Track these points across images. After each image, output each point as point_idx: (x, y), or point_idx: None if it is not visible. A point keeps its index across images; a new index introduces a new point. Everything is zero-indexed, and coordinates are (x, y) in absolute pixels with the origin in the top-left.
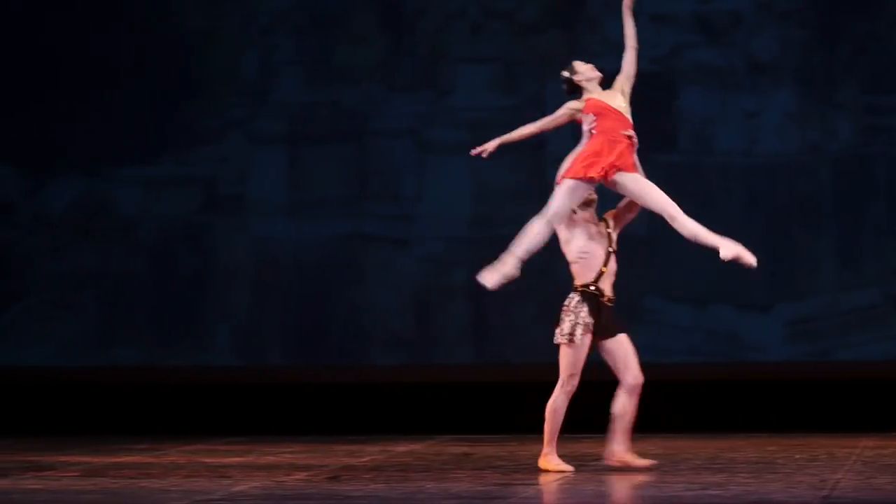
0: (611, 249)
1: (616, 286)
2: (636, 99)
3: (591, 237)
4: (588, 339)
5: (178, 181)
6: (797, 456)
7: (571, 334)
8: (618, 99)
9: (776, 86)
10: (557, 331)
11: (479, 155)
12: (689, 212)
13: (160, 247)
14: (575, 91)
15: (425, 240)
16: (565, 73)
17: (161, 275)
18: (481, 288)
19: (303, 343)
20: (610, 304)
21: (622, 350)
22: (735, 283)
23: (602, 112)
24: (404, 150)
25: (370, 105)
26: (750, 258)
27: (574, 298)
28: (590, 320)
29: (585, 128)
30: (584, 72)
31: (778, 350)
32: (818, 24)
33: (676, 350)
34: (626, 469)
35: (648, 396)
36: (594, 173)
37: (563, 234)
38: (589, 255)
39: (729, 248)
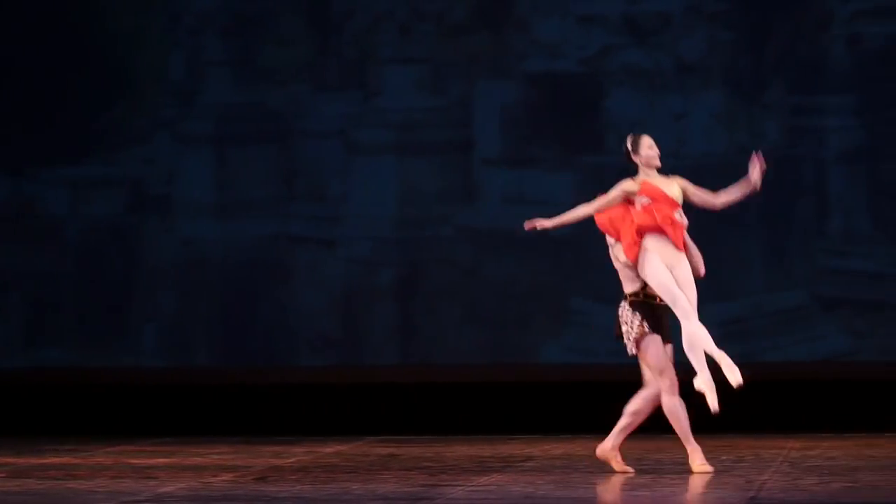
0: None
1: (542, 287)
2: (564, 100)
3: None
4: (654, 336)
5: (106, 182)
6: (724, 457)
7: (635, 340)
8: (673, 188)
9: (704, 87)
10: (625, 342)
11: (532, 229)
12: None
13: (87, 247)
14: (630, 162)
15: (352, 240)
16: (629, 143)
17: (88, 275)
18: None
19: (230, 344)
20: (663, 304)
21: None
22: None
23: (656, 198)
24: (331, 151)
25: (297, 106)
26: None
27: (624, 307)
28: (645, 324)
29: (637, 207)
30: (647, 156)
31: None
32: (746, 25)
33: (604, 351)
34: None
35: (577, 397)
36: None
37: (611, 239)
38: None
39: (736, 376)
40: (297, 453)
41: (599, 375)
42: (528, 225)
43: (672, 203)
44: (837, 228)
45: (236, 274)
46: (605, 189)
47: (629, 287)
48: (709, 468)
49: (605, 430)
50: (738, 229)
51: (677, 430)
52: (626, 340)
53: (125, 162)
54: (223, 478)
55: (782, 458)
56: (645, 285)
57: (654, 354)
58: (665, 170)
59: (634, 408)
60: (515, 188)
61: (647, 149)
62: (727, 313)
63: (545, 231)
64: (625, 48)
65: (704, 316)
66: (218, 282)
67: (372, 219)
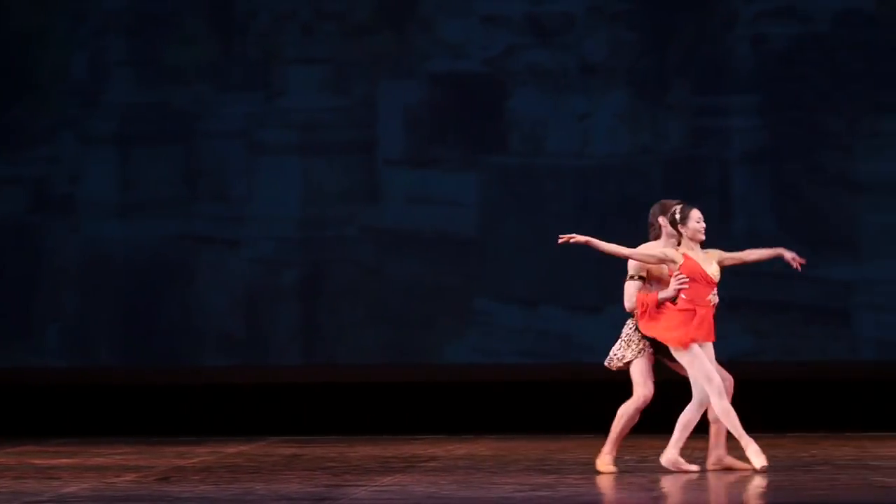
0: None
1: (446, 287)
2: (467, 101)
3: (661, 276)
4: (646, 356)
5: (9, 181)
6: (627, 457)
7: (621, 357)
8: (713, 267)
9: (608, 87)
10: (612, 354)
11: (566, 242)
12: (520, 212)
13: None
14: (673, 228)
15: (255, 240)
16: (678, 213)
17: None
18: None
19: (133, 344)
20: None
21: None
22: (565, 284)
23: (695, 278)
24: (235, 151)
25: (201, 106)
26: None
27: (630, 326)
28: (643, 345)
29: (674, 283)
30: (695, 230)
31: (608, 351)
32: (649, 25)
33: (507, 351)
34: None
35: (480, 397)
36: (675, 343)
37: (632, 263)
38: (650, 287)
39: (761, 460)
40: (200, 453)
41: (502, 375)
42: (562, 238)
43: (710, 283)
44: (741, 229)
45: (140, 274)
46: (510, 190)
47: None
48: (763, 461)
49: (507, 430)
50: (641, 229)
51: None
52: (615, 355)
53: (28, 161)
54: (126, 478)
55: (686, 457)
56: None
57: (636, 379)
58: (569, 169)
59: (712, 415)
60: (418, 188)
61: (696, 223)
62: (628, 314)
63: (575, 243)
64: (528, 48)
65: (601, 319)
66: (121, 282)
67: (275, 219)
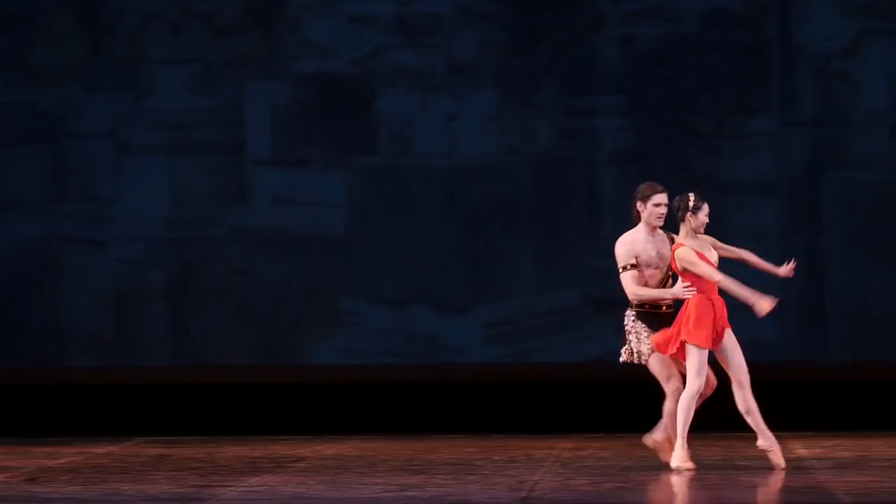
0: (670, 273)
1: (314, 287)
2: (335, 101)
3: (649, 262)
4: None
5: None
6: (496, 457)
7: (639, 353)
8: (713, 253)
9: (476, 88)
10: (624, 350)
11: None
12: (388, 213)
13: None
14: (682, 215)
15: (123, 241)
16: (691, 202)
17: None
18: None
19: (0, 344)
20: (669, 311)
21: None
22: (434, 284)
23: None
24: (102, 152)
25: (68, 106)
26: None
27: (630, 317)
28: (650, 334)
29: (683, 292)
30: (702, 223)
31: (477, 352)
32: (517, 26)
33: (375, 352)
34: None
35: (349, 398)
36: (705, 344)
37: (621, 253)
38: (646, 276)
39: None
40: (68, 454)
41: (370, 376)
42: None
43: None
44: (609, 229)
45: (6, 274)
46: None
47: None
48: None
49: (375, 431)
50: (509, 231)
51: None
52: (625, 349)
53: None
54: None
55: (554, 458)
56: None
57: (660, 373)
58: (437, 170)
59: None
60: (287, 188)
61: (705, 216)
62: (498, 314)
63: None
64: (396, 49)
65: (474, 316)
66: None
67: (143, 219)
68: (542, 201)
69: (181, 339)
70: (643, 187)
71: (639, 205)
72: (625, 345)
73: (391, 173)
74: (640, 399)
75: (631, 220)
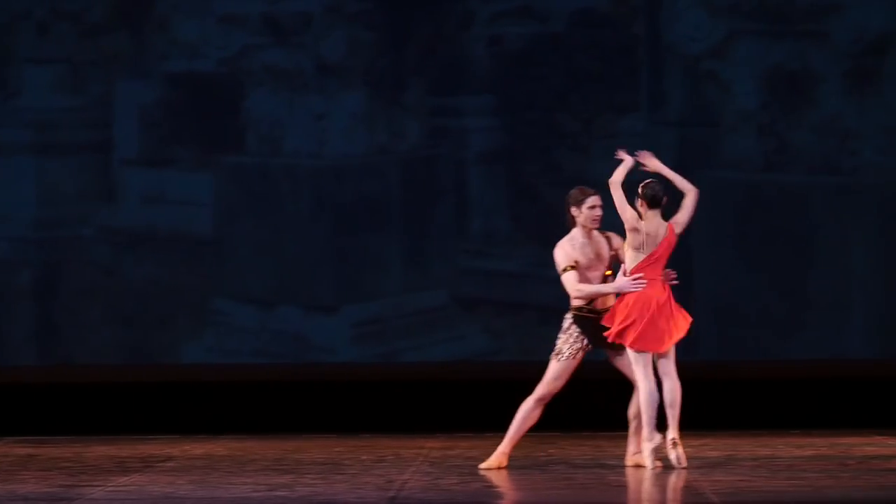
0: (607, 273)
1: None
2: (204, 101)
3: (588, 264)
4: (578, 356)
5: None
6: (364, 457)
7: (559, 353)
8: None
9: (344, 87)
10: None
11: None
12: (257, 212)
13: None
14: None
15: None
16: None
17: None
18: None
19: None
20: (601, 316)
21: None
22: (302, 284)
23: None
24: None
25: None
26: None
27: (568, 319)
28: (581, 341)
29: (632, 284)
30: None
31: (345, 351)
32: (387, 25)
33: (244, 351)
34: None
35: (218, 397)
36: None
37: (560, 256)
38: (589, 278)
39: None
40: None
41: (239, 375)
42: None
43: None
44: (477, 229)
45: None
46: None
47: (576, 301)
48: (493, 466)
49: (244, 430)
50: (378, 230)
51: (511, 431)
52: (556, 346)
53: None
54: None
55: (422, 457)
56: (591, 301)
57: (553, 375)
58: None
59: (634, 411)
60: (155, 188)
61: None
62: (366, 313)
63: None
64: (265, 48)
65: (342, 316)
66: None
67: (10, 219)
68: (410, 201)
69: (49, 338)
70: (575, 192)
71: (573, 210)
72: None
73: (259, 173)
74: (507, 398)
75: (497, 218)
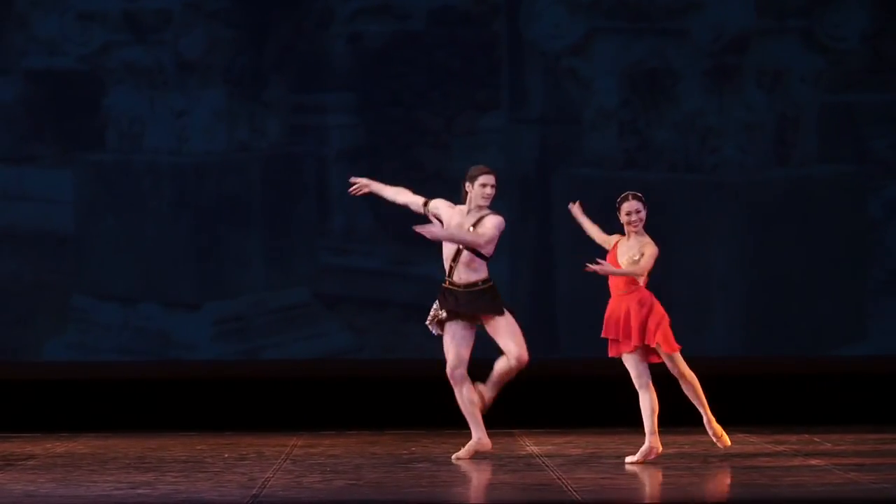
0: (460, 247)
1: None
2: (64, 98)
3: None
4: (443, 326)
5: None
6: (226, 455)
7: (427, 325)
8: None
9: (205, 84)
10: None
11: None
12: (118, 210)
13: None
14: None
15: None
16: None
17: None
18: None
19: None
20: (464, 290)
21: (497, 333)
22: (164, 281)
23: None
24: None
25: None
26: None
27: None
28: (441, 311)
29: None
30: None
31: (207, 349)
32: (246, 23)
33: (105, 348)
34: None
35: (80, 395)
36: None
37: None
38: (444, 253)
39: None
40: None
41: (101, 373)
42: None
43: None
44: (339, 226)
45: None
46: (107, 187)
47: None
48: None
49: (106, 428)
50: (239, 227)
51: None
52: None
53: None
54: None
55: (285, 455)
56: (449, 273)
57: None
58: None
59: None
60: (15, 185)
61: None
62: (228, 310)
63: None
64: (125, 45)
65: (204, 313)
66: None
67: None
68: (271, 198)
69: None
70: (472, 169)
71: (467, 185)
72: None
73: (120, 170)
74: (369, 396)
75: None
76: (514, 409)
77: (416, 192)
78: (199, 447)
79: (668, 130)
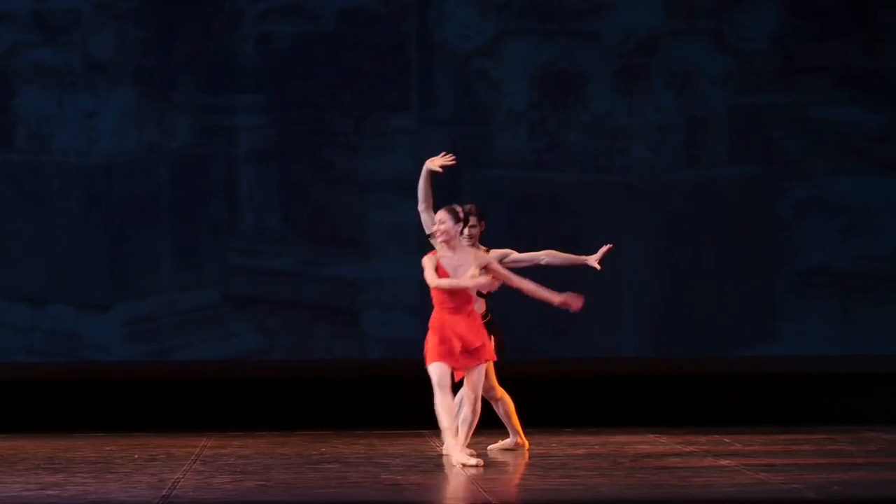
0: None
1: None
2: None
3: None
4: None
5: None
6: (136, 456)
7: None
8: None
9: (114, 85)
10: None
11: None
12: (27, 210)
13: None
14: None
15: None
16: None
17: None
18: None
19: None
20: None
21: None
22: (73, 282)
23: None
24: None
25: None
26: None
27: None
28: None
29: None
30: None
31: (117, 349)
32: (156, 23)
33: (14, 349)
34: None
35: None
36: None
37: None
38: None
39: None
40: None
41: (10, 374)
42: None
43: None
44: (249, 227)
45: None
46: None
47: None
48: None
49: (14, 430)
50: (148, 228)
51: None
52: None
53: None
54: None
55: (195, 456)
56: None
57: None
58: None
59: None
60: None
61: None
62: (137, 311)
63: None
64: (34, 46)
65: (113, 314)
66: None
67: None
68: (181, 198)
69: None
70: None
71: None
72: None
73: (29, 170)
74: (279, 397)
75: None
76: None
77: (323, 193)
78: (108, 448)
79: (577, 131)
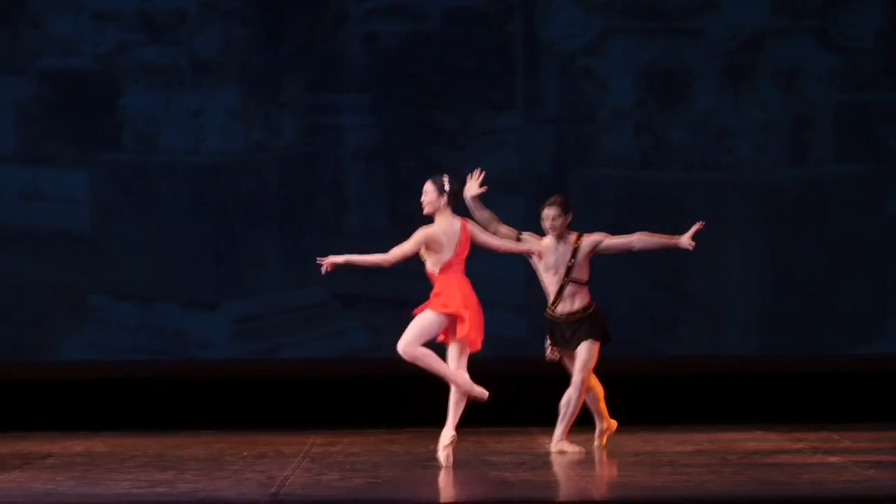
0: (567, 279)
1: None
2: (80, 97)
3: (546, 269)
4: (556, 352)
5: None
6: (245, 453)
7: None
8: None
9: (220, 84)
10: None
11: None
12: (134, 209)
13: None
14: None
15: None
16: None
17: None
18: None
19: None
20: (564, 321)
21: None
22: (181, 281)
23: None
24: None
25: None
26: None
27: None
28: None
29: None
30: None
31: (225, 348)
32: (261, 22)
33: (123, 348)
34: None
35: (97, 394)
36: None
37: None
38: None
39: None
40: None
41: (119, 373)
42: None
43: None
44: (356, 226)
45: None
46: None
47: None
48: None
49: (125, 427)
50: (256, 227)
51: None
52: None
53: None
54: None
55: (304, 453)
56: (554, 303)
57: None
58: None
59: (564, 400)
60: (31, 185)
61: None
62: (246, 310)
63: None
64: (140, 45)
65: (221, 313)
66: None
67: None
68: (287, 198)
69: None
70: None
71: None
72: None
73: (136, 170)
74: (387, 395)
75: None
76: (530, 407)
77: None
78: (217, 446)
79: (683, 130)
